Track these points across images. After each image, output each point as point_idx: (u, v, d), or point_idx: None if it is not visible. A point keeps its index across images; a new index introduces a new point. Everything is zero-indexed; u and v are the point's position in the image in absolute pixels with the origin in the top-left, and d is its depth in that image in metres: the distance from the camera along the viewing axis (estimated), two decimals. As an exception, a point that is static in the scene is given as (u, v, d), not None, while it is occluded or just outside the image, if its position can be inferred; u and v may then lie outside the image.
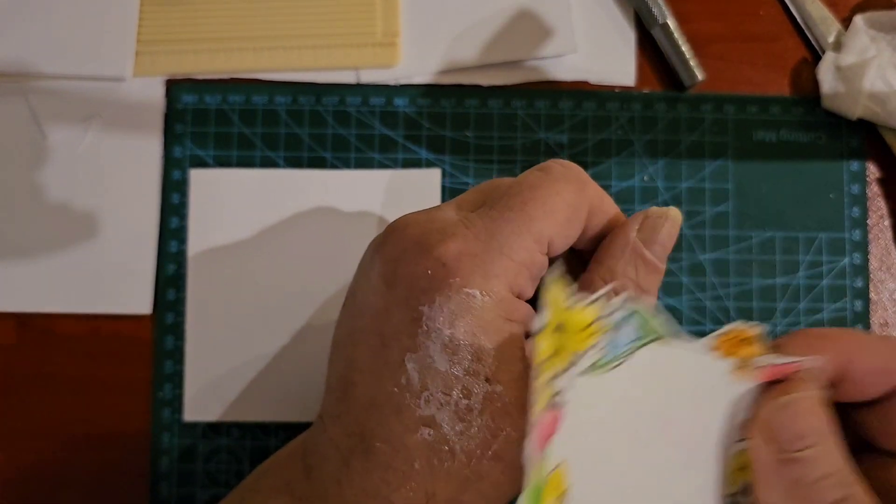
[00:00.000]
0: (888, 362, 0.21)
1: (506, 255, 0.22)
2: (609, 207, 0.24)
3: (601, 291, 0.20)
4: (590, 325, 0.19)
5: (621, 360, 0.20)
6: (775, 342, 0.21)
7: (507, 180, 0.24)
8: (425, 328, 0.21)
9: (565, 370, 0.19)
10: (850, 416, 0.21)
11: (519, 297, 0.22)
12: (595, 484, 0.20)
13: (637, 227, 0.24)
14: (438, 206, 0.24)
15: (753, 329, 0.20)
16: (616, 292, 0.20)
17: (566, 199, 0.23)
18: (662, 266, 0.24)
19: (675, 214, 0.24)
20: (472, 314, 0.21)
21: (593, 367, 0.19)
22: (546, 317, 0.19)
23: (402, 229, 0.23)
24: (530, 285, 0.23)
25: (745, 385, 0.20)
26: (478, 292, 0.21)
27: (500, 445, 0.21)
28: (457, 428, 0.21)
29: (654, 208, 0.24)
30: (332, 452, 0.23)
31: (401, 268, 0.22)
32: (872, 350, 0.21)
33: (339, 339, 0.24)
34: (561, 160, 0.24)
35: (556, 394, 0.19)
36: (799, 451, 0.19)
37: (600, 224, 0.24)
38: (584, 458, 0.19)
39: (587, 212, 0.24)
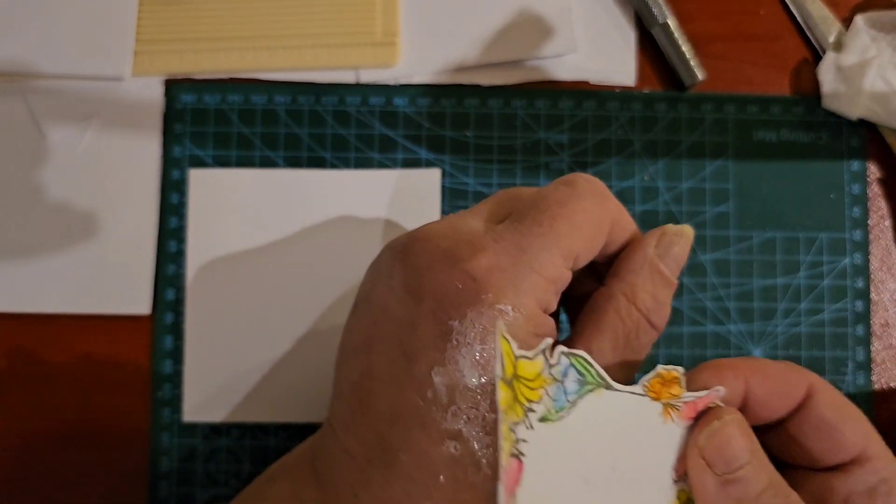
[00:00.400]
0: (783, 386, 0.23)
1: (536, 270, 0.22)
2: (627, 222, 0.25)
3: (539, 347, 0.20)
4: (537, 376, 0.20)
5: (568, 410, 0.20)
6: (687, 377, 0.22)
7: (528, 191, 0.25)
8: (455, 343, 0.21)
9: (522, 420, 0.19)
10: (760, 438, 0.22)
11: (545, 311, 0.22)
12: None
13: (654, 243, 0.24)
14: (460, 215, 0.24)
15: (674, 371, 0.21)
16: (555, 344, 0.21)
17: (592, 215, 0.23)
18: (675, 280, 0.24)
19: (689, 232, 0.25)
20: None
21: (544, 418, 0.20)
22: (502, 366, 0.19)
23: (428, 240, 0.22)
24: (555, 300, 0.23)
25: (674, 427, 0.22)
26: (510, 308, 0.21)
27: None
28: (484, 442, 0.21)
29: (671, 226, 0.25)
30: (347, 462, 0.22)
31: (428, 280, 0.22)
32: (768, 375, 0.23)
33: (351, 345, 0.24)
34: (584, 174, 0.24)
35: (517, 442, 0.19)
36: (736, 470, 0.21)
37: (620, 239, 0.25)
38: None
39: (609, 227, 0.24)
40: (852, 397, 0.33)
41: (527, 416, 0.19)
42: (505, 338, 0.19)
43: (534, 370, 0.20)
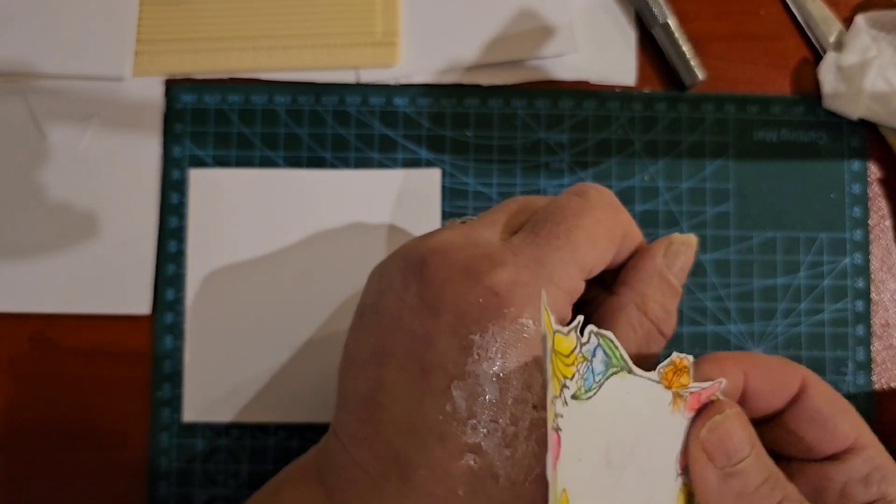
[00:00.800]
0: (779, 379, 0.23)
1: (555, 283, 0.22)
2: (636, 233, 0.25)
3: (573, 324, 0.20)
4: (570, 353, 0.20)
5: (596, 390, 0.21)
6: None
7: (541, 201, 0.25)
8: (476, 357, 0.21)
9: (559, 395, 0.19)
10: (756, 431, 0.23)
11: (561, 322, 0.22)
12: None
13: (662, 253, 0.25)
14: (471, 225, 0.24)
15: (685, 359, 0.22)
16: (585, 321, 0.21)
17: (606, 226, 0.23)
18: (681, 290, 0.25)
19: (694, 242, 0.25)
20: (525, 343, 0.21)
21: (575, 396, 0.20)
22: (550, 340, 0.19)
23: (444, 252, 0.22)
24: (570, 310, 0.23)
25: (680, 417, 0.22)
26: (531, 322, 0.21)
27: (544, 469, 0.21)
28: (503, 454, 0.20)
29: (677, 235, 0.25)
30: (359, 475, 0.22)
31: (447, 294, 0.21)
32: (765, 368, 0.23)
33: (358, 355, 0.23)
34: (594, 184, 0.25)
35: (557, 416, 0.19)
36: (737, 464, 0.21)
37: (629, 249, 0.25)
38: (576, 487, 0.20)
39: (621, 238, 0.24)
40: (853, 397, 0.33)
41: (562, 391, 0.20)
42: (546, 310, 0.19)
43: (568, 346, 0.20)
